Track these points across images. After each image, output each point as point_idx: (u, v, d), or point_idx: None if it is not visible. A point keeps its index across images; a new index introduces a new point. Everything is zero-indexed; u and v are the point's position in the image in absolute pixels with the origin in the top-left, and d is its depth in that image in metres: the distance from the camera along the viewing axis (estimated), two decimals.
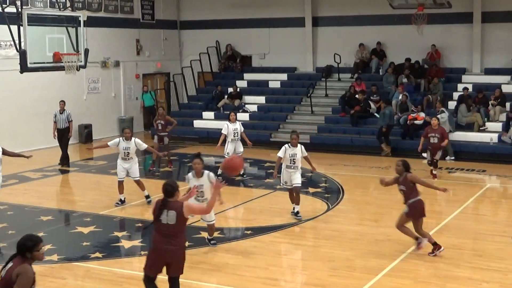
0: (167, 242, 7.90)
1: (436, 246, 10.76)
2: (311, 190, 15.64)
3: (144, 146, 14.26)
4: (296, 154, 12.73)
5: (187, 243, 11.15)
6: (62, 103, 18.93)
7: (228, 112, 18.34)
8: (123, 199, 14.32)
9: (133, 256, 11.11)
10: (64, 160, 18.97)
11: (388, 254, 10.78)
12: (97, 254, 11.06)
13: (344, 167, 18.62)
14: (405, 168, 10.83)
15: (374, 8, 24.27)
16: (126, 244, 11.65)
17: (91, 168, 18.79)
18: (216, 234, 11.70)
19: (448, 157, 19.53)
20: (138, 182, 14.25)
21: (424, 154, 17.44)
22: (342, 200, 14.85)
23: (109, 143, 14.39)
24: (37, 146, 20.69)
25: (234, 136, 16.64)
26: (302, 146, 12.91)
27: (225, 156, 16.51)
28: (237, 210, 14.09)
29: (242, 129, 16.97)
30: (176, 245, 7.93)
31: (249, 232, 12.28)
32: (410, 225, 10.89)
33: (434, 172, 16.76)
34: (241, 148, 16.85)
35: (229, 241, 11.79)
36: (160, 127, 18.43)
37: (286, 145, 12.82)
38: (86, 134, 23.50)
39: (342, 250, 11.15)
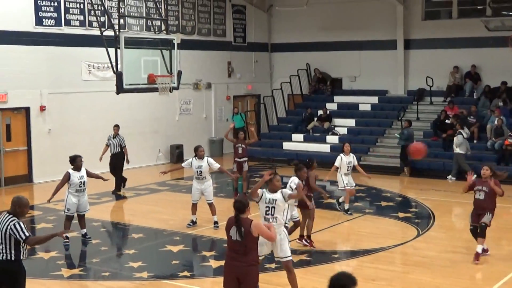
0: (236, 258, 7.98)
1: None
2: (401, 215, 15.35)
3: (216, 165, 14.10)
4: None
5: (273, 265, 11.23)
6: (116, 128, 18.41)
7: (342, 144, 16.62)
8: (194, 220, 14.35)
9: (221, 276, 11.17)
10: (118, 186, 18.33)
11: (481, 284, 10.43)
12: (186, 273, 11.21)
13: (435, 192, 18.18)
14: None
15: (468, 30, 23.75)
16: (214, 264, 11.74)
17: (181, 188, 19.12)
18: (303, 257, 11.65)
19: (449, 177, 20.01)
20: (211, 205, 14.20)
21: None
22: (432, 226, 14.49)
23: (182, 164, 14.55)
24: (131, 165, 21.18)
25: (347, 170, 15.25)
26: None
27: (343, 188, 15.47)
28: (325, 233, 13.96)
29: (356, 162, 15.59)
30: (245, 262, 7.92)
31: (336, 255, 12.16)
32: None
33: (478, 251, 11.65)
34: (353, 182, 15.58)
35: (316, 264, 11.70)
36: (240, 151, 17.51)
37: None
38: (177, 154, 23.96)
39: (432, 277, 10.86)
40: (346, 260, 11.85)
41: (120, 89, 15.94)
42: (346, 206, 15.48)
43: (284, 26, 27.95)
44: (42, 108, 19.91)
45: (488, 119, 21.76)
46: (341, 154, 15.38)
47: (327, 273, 11.06)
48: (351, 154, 15.43)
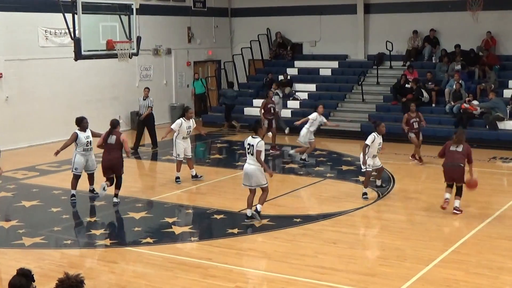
0: (110, 154, 13.01)
1: None
2: (361, 178, 15.51)
3: (195, 125, 15.52)
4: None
5: (236, 231, 11.32)
6: (147, 90, 19.82)
7: (316, 104, 18.65)
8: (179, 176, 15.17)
9: (184, 242, 11.23)
10: (155, 143, 19.54)
11: (439, 245, 10.65)
12: (148, 240, 11.21)
13: (395, 156, 18.40)
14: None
15: None
16: (176, 230, 11.77)
17: (143, 155, 19.03)
18: (265, 222, 11.74)
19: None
20: (190, 160, 15.13)
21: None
22: (392, 189, 14.71)
23: (172, 127, 15.17)
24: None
25: (315, 127, 17.54)
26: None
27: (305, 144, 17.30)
28: (286, 198, 14.09)
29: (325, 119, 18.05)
30: (114, 155, 13.05)
31: (298, 220, 12.27)
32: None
33: None
34: (312, 136, 17.46)
35: (278, 228, 11.80)
36: (272, 111, 18.84)
37: (374, 134, 13.88)
38: (138, 121, 23.72)
39: (392, 239, 11.06)
40: (307, 224, 11.97)
41: (78, 55, 15.64)
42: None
43: None
44: None
45: (446, 82, 22.01)
46: (316, 113, 17.43)
47: (290, 237, 11.23)
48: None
